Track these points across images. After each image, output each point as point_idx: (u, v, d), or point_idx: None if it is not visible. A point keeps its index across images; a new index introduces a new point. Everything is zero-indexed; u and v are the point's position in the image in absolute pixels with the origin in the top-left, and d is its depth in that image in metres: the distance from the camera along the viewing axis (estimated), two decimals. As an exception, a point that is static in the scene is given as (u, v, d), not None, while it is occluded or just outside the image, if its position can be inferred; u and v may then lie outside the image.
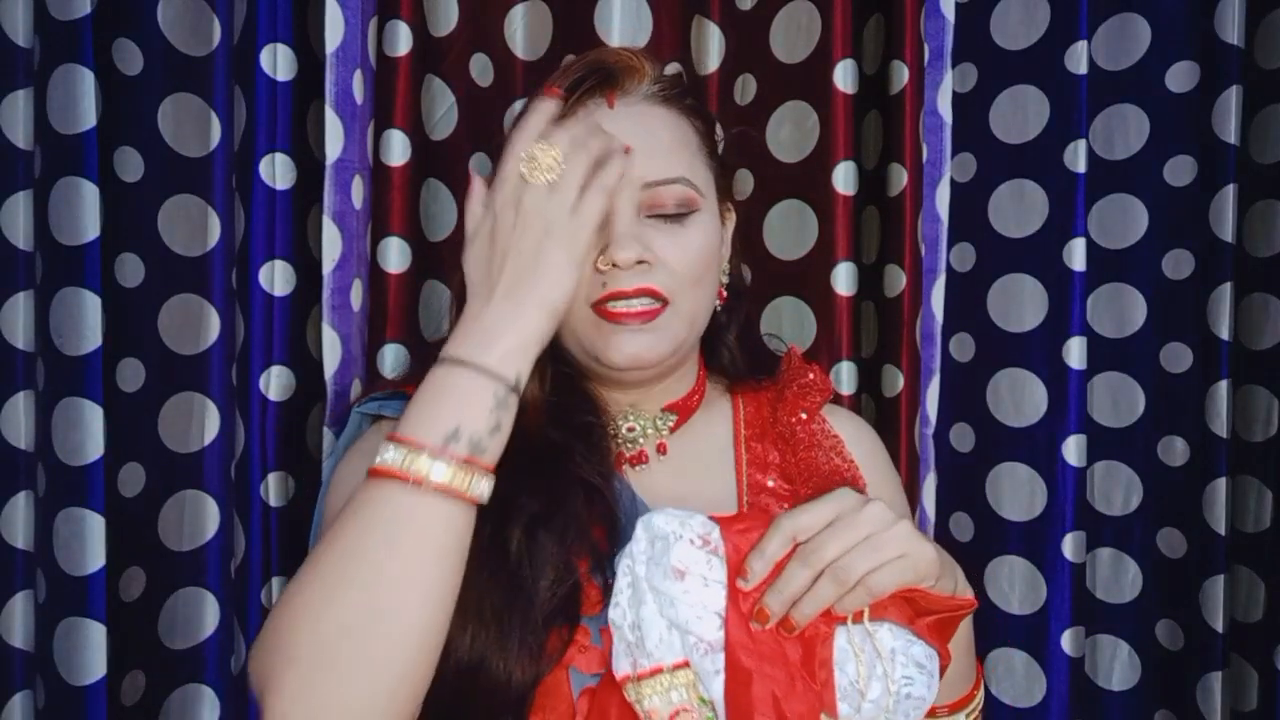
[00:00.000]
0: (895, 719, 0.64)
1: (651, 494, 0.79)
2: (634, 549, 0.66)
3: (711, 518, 0.67)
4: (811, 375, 0.88)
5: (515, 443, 0.71)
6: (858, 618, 0.65)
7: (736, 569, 0.65)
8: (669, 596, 0.65)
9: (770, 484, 0.83)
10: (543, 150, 0.67)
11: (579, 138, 0.68)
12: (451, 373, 0.64)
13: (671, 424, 0.83)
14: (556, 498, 0.72)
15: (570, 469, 0.74)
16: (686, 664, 0.65)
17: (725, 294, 0.85)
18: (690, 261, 0.77)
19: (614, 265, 0.74)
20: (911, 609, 0.66)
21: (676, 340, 0.77)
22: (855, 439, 0.87)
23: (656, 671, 0.65)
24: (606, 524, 0.73)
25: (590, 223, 0.67)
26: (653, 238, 0.75)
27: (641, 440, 0.82)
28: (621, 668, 0.66)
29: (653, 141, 0.77)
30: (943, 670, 0.67)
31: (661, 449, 0.82)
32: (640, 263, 0.74)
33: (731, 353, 0.89)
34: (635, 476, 0.80)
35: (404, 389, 0.83)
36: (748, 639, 0.64)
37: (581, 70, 0.78)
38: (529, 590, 0.68)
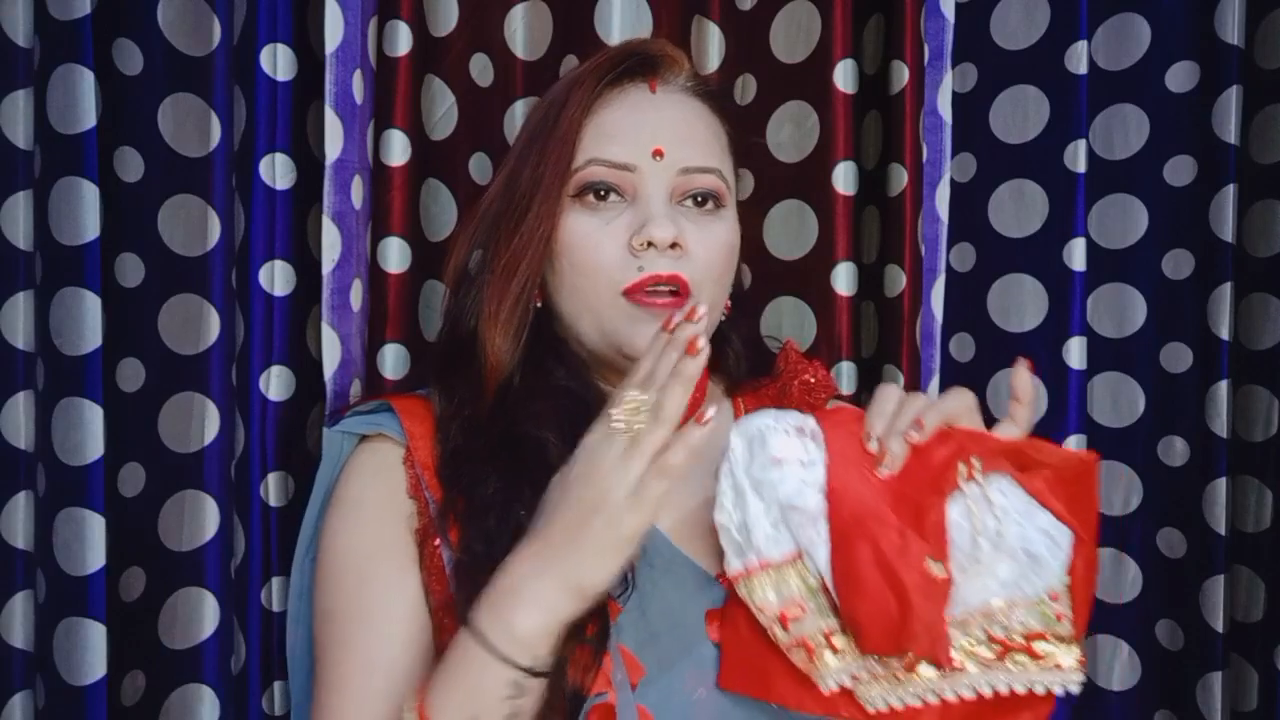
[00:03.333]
0: (1017, 583, 0.63)
1: None
2: (732, 455, 0.67)
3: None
4: (811, 374, 0.87)
5: (505, 442, 0.73)
6: (970, 474, 0.64)
7: (835, 449, 0.66)
8: (769, 483, 0.65)
9: None
10: (636, 400, 0.62)
11: (668, 387, 0.62)
12: (469, 650, 0.62)
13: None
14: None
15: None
16: (795, 558, 0.66)
17: (729, 301, 0.84)
18: (717, 254, 0.76)
19: (649, 245, 0.73)
20: (1022, 463, 0.65)
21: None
22: None
23: (765, 567, 0.66)
24: None
25: (645, 510, 0.61)
26: (684, 225, 0.75)
27: None
28: (733, 567, 0.67)
29: (691, 129, 0.77)
30: (1084, 559, 0.65)
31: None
32: (674, 246, 0.73)
33: (736, 356, 0.88)
34: None
35: (388, 398, 0.82)
36: (851, 498, 0.64)
37: (625, 54, 0.78)
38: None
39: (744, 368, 0.89)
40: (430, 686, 0.63)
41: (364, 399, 0.89)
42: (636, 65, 0.78)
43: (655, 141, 0.75)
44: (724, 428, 0.85)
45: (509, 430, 0.75)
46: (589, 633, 0.68)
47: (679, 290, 0.74)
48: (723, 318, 0.83)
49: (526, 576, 0.62)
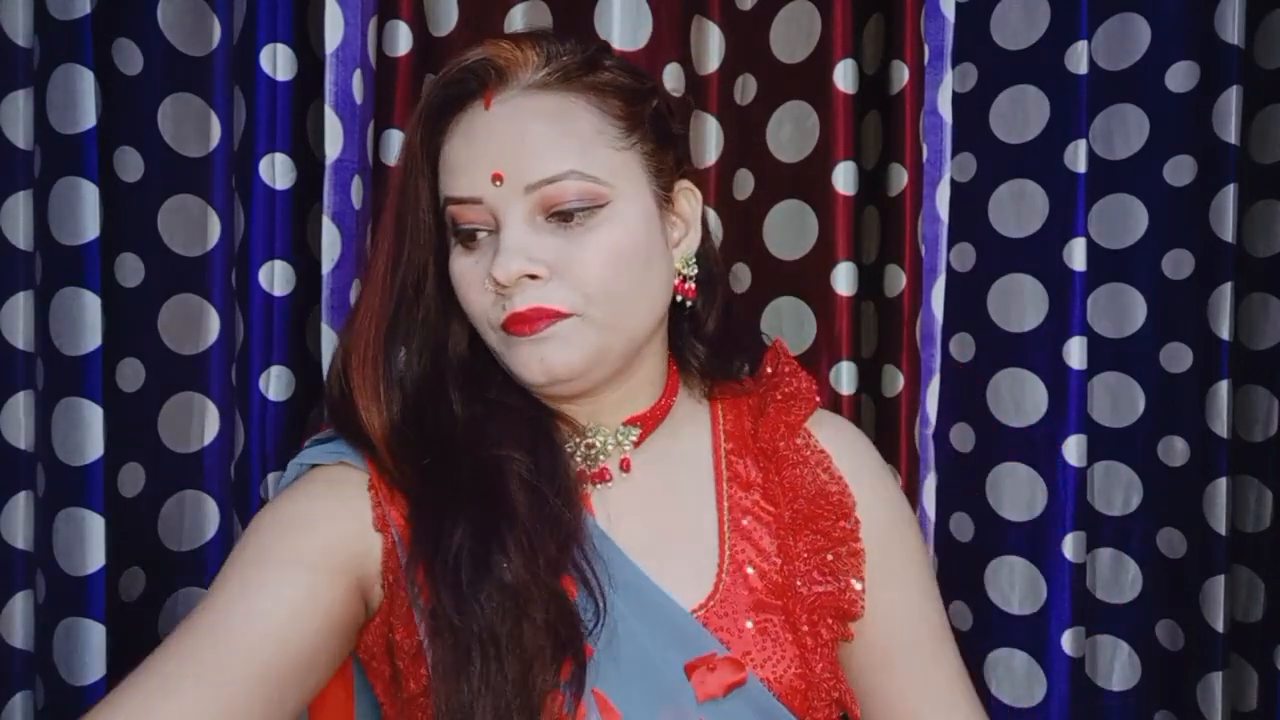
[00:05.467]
0: None
1: (622, 514, 0.74)
2: None
3: None
4: (795, 383, 0.81)
5: (463, 472, 0.69)
6: None
7: None
8: None
9: (753, 505, 0.77)
10: None
11: None
12: None
13: (635, 438, 0.77)
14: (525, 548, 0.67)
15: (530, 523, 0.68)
16: None
17: (694, 287, 0.77)
18: (598, 268, 0.68)
19: (499, 285, 0.68)
20: None
21: (594, 351, 0.70)
22: (843, 451, 0.80)
23: None
24: (575, 575, 0.68)
25: None
26: (551, 245, 0.68)
27: (603, 457, 0.76)
28: None
29: (529, 139, 0.68)
30: None
31: (625, 465, 0.76)
32: (531, 277, 0.68)
33: (699, 358, 0.81)
34: (599, 495, 0.75)
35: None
36: None
37: (447, 80, 0.71)
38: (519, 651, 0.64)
39: (714, 368, 0.82)
40: None
41: (323, 425, 0.82)
42: (471, 87, 0.71)
43: (492, 166, 0.68)
44: (702, 437, 0.80)
45: (472, 460, 0.71)
46: (564, 676, 0.64)
47: (554, 317, 0.68)
48: (687, 301, 0.78)
49: None
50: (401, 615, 0.69)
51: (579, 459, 0.75)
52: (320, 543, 0.68)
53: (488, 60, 0.70)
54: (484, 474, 0.70)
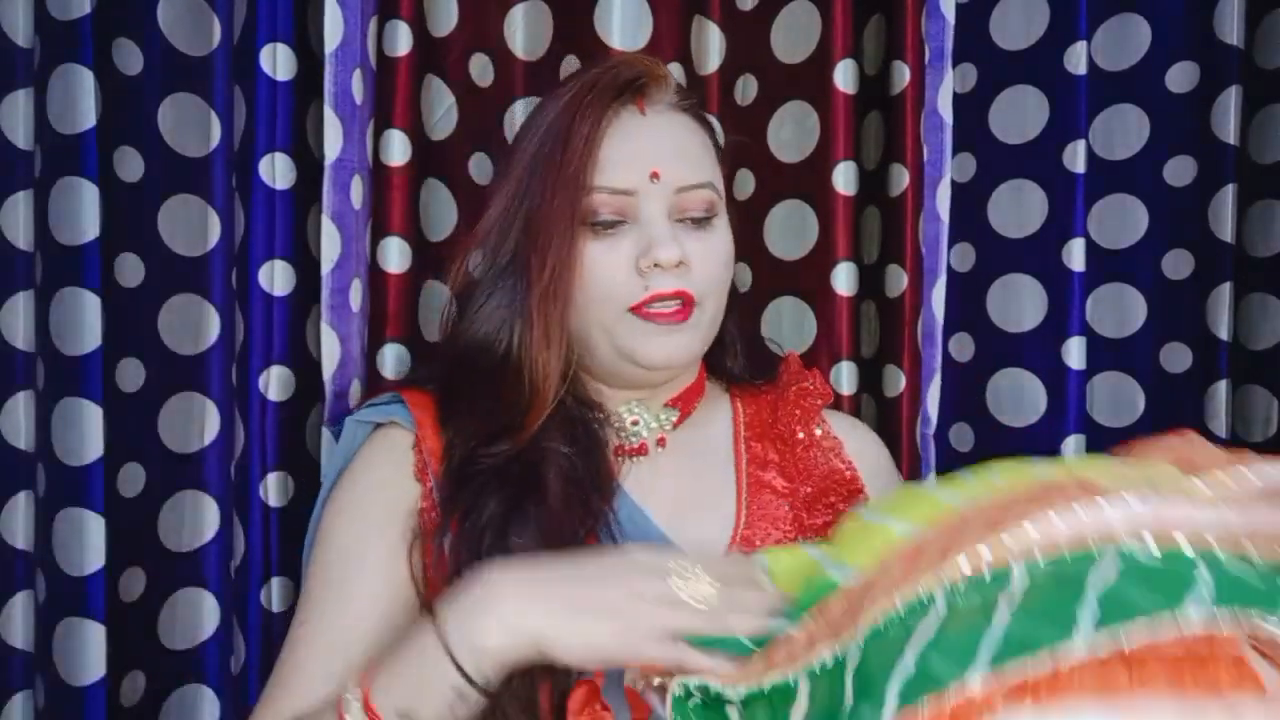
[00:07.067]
0: None
1: (651, 486, 0.81)
2: None
3: None
4: (810, 381, 0.90)
5: (518, 454, 0.75)
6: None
7: None
8: None
9: (771, 480, 0.84)
10: (705, 590, 0.63)
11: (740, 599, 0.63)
12: (426, 642, 0.63)
13: (674, 419, 0.85)
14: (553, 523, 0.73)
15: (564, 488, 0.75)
16: None
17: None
18: (716, 265, 0.80)
19: (656, 265, 0.75)
20: None
21: (705, 340, 0.81)
22: (854, 442, 0.89)
23: None
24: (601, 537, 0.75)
25: (671, 626, 0.60)
26: (684, 241, 0.77)
27: (644, 433, 0.83)
28: None
29: (682, 147, 0.79)
30: None
31: (662, 442, 0.84)
32: (680, 264, 0.76)
33: (735, 354, 0.91)
34: (634, 468, 0.82)
35: (399, 390, 0.85)
36: None
37: (621, 79, 0.79)
38: None
39: (741, 366, 0.91)
40: (381, 666, 0.65)
41: (378, 390, 0.93)
42: (631, 91, 0.80)
43: (651, 165, 0.77)
44: (724, 424, 0.89)
45: (519, 446, 0.77)
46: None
47: (684, 302, 0.77)
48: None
49: (510, 602, 0.62)
50: (430, 553, 0.76)
51: (621, 435, 0.83)
52: (390, 515, 0.77)
53: (645, 72, 0.80)
54: (527, 458, 0.76)
